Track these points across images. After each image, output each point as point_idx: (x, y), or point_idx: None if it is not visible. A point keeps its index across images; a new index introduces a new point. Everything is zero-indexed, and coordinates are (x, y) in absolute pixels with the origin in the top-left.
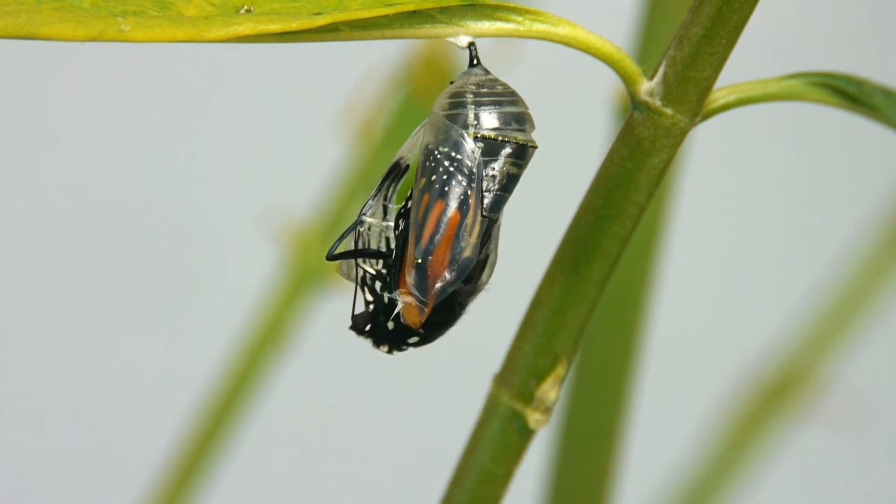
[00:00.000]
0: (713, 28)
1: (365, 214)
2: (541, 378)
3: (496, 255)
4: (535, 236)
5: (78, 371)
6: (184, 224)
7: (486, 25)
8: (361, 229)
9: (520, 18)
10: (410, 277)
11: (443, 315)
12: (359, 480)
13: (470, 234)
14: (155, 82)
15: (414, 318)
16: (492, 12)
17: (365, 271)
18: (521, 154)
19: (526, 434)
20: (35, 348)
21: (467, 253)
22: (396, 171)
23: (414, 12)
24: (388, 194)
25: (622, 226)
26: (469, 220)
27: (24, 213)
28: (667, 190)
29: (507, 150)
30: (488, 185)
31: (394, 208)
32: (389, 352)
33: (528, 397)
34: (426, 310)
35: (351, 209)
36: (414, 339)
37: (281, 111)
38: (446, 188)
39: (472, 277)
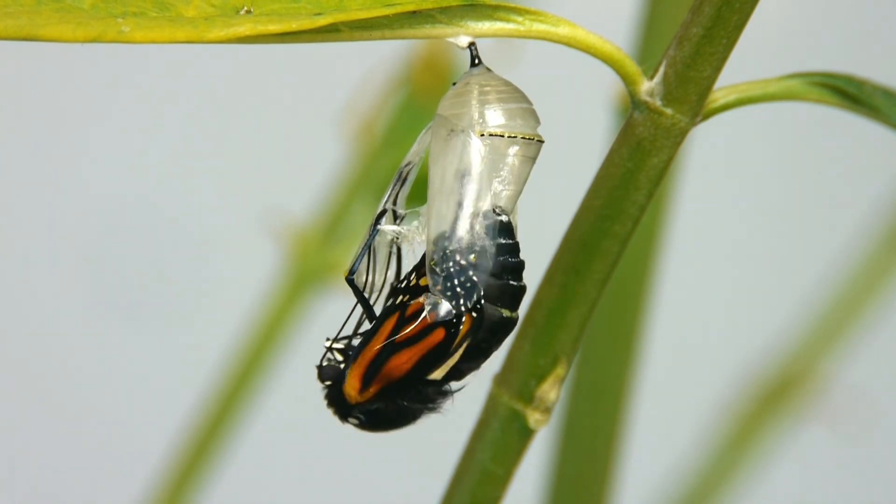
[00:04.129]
0: (713, 28)
1: (380, 223)
2: (541, 378)
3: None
4: (535, 236)
5: (77, 371)
6: (184, 224)
7: (486, 25)
8: (375, 241)
9: (520, 18)
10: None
11: (394, 411)
12: (359, 480)
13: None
14: (155, 83)
15: (353, 388)
16: (492, 12)
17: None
18: (529, 149)
19: (526, 434)
20: (34, 348)
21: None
22: (403, 177)
23: (414, 12)
24: (397, 200)
25: (622, 226)
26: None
27: (23, 213)
28: (667, 190)
29: (515, 146)
30: (499, 183)
31: (403, 213)
32: (334, 415)
33: (528, 397)
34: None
35: (351, 209)
36: (354, 421)
37: (281, 111)
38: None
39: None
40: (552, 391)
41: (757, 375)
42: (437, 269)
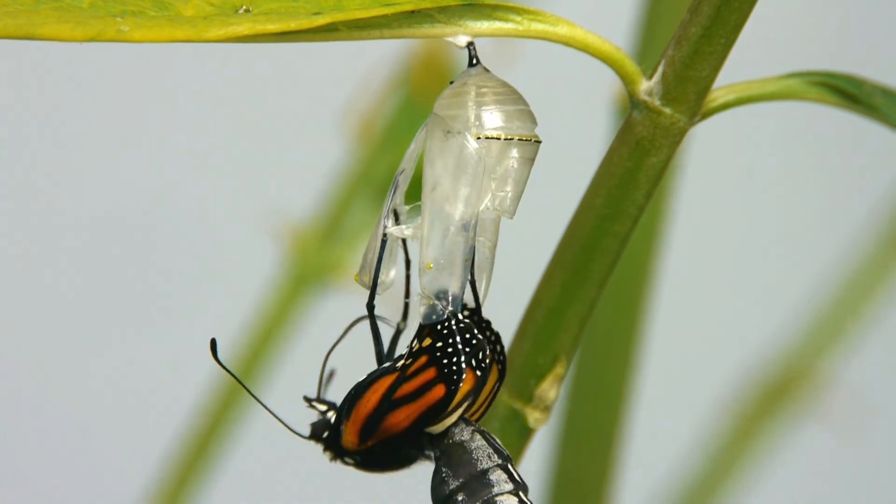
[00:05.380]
0: (712, 27)
1: (387, 228)
2: (540, 377)
3: (491, 272)
4: (535, 236)
5: (76, 371)
6: (184, 224)
7: (484, 25)
8: (385, 246)
9: (518, 18)
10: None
11: (387, 455)
12: (358, 481)
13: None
14: (154, 82)
15: (350, 442)
16: (490, 12)
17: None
18: (527, 150)
19: (525, 433)
20: (34, 348)
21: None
22: (398, 184)
23: (413, 12)
24: (399, 202)
25: (621, 225)
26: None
27: (23, 213)
28: (666, 189)
29: (513, 148)
30: (498, 185)
31: (405, 210)
32: (332, 460)
33: (527, 396)
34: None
35: (351, 209)
36: (352, 462)
37: (281, 111)
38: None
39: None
40: (552, 390)
41: (757, 375)
42: (439, 323)
